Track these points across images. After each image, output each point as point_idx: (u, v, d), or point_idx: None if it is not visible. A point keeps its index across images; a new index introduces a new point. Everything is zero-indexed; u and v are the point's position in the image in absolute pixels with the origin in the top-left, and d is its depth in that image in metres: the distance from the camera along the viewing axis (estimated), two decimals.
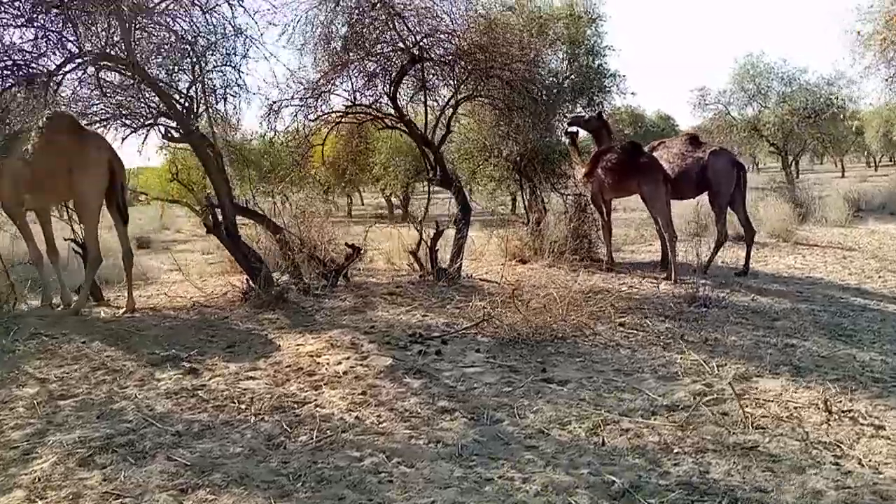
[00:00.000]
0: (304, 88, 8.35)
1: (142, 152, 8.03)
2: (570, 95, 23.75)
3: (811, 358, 4.96)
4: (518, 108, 8.90)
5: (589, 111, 9.83)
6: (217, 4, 5.89)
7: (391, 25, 8.04)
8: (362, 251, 7.86)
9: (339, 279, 7.46)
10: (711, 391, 4.18)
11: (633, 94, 22.48)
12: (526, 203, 10.25)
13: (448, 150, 10.61)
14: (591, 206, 9.11)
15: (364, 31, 7.98)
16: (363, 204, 34.03)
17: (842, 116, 24.21)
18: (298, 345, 5.00)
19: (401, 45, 8.21)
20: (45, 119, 6.17)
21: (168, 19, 5.83)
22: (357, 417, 3.67)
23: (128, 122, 6.53)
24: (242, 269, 6.66)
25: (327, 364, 4.54)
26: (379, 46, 8.32)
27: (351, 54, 8.22)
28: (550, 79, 21.92)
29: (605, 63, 22.75)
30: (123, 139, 7.48)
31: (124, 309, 6.47)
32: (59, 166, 6.16)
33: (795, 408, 3.95)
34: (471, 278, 8.05)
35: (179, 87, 7.45)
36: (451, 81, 8.64)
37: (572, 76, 23.10)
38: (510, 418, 3.70)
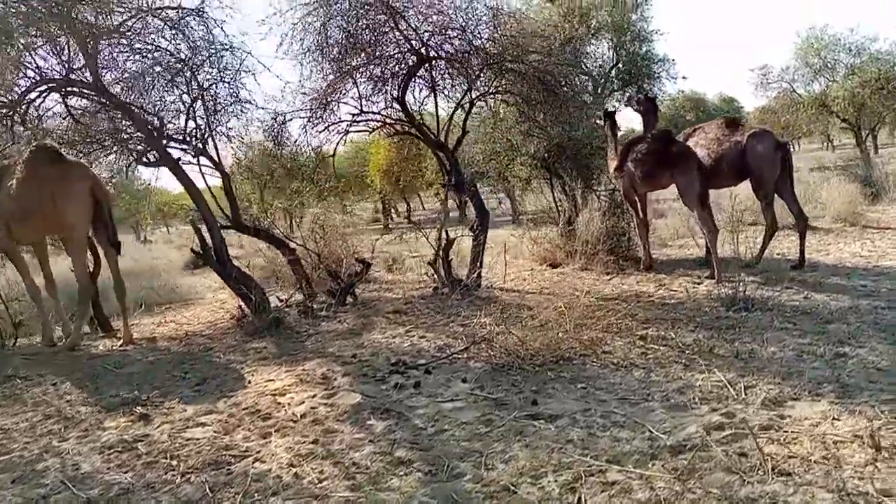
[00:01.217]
0: (310, 99, 7.98)
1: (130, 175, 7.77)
2: (617, 84, 22.83)
3: (864, 372, 4.14)
4: (537, 103, 8.25)
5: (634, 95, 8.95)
6: (183, 17, 5.50)
7: (393, 25, 7.56)
8: (371, 266, 7.38)
9: (346, 298, 7.01)
10: (731, 423, 3.46)
11: (684, 77, 21.27)
12: (557, 202, 9.54)
13: (471, 151, 10.05)
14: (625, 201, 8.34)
15: (362, 34, 7.52)
16: (424, 208, 33.84)
17: None
18: (268, 380, 4.54)
19: (407, 45, 7.73)
20: (26, 151, 5.99)
21: (137, 39, 5.52)
22: (296, 475, 3.15)
23: (107, 146, 6.25)
24: (236, 295, 6.29)
25: (289, 404, 4.05)
26: (381, 49, 7.85)
27: (353, 60, 7.79)
28: (593, 67, 21.00)
29: (653, 48, 21.69)
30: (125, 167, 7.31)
31: (121, 341, 6.22)
32: (42, 198, 5.95)
33: (834, 443, 3.19)
34: (491, 288, 7.45)
35: (176, 107, 7.25)
36: (464, 80, 8.05)
37: (619, 64, 22.15)
38: (475, 471, 3.10)
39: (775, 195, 7.43)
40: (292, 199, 8.96)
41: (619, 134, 8.56)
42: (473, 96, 8.18)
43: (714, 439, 3.29)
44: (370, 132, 8.65)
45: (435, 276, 7.55)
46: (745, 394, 3.87)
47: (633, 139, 8.01)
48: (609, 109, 8.47)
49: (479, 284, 7.47)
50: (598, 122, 9.19)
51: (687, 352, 4.71)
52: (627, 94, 9.25)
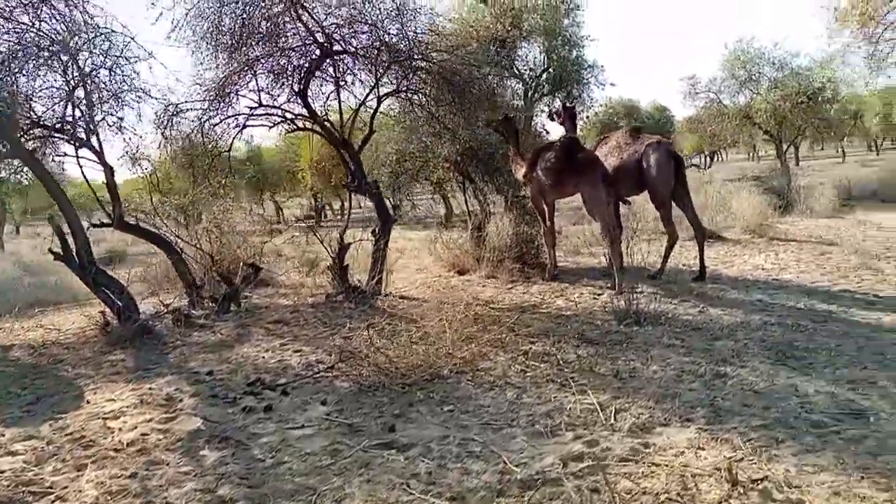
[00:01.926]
0: (205, 90, 7.50)
1: None
2: (548, 88, 22.83)
3: (740, 394, 4.00)
4: (446, 104, 7.98)
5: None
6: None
7: (294, 16, 7.16)
8: (261, 270, 6.96)
9: (229, 304, 6.58)
10: (592, 453, 3.24)
11: (612, 84, 21.46)
12: (468, 206, 9.31)
13: (385, 151, 9.72)
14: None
15: (260, 24, 7.10)
16: (361, 206, 33.15)
17: (836, 100, 23.16)
18: (108, 400, 4.10)
19: (310, 38, 7.34)
20: None
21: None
22: None
23: None
24: (100, 301, 5.78)
25: (119, 430, 3.64)
26: (283, 40, 7.45)
27: (251, 51, 7.34)
28: (524, 71, 20.85)
29: (583, 54, 21.79)
30: None
31: None
32: None
33: (693, 476, 3.01)
34: (390, 297, 7.13)
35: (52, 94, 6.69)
36: (371, 77, 7.71)
37: (550, 69, 22.15)
38: None
39: (674, 206, 7.38)
40: (186, 197, 8.35)
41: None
42: (382, 93, 7.86)
43: (570, 472, 3.06)
44: (270, 127, 8.20)
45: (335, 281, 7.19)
46: (615, 419, 3.67)
47: (542, 146, 7.85)
48: (507, 115, 8.23)
49: (379, 292, 7.14)
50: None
51: (566, 370, 4.50)
52: (550, 108, 9.04)
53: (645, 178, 7.32)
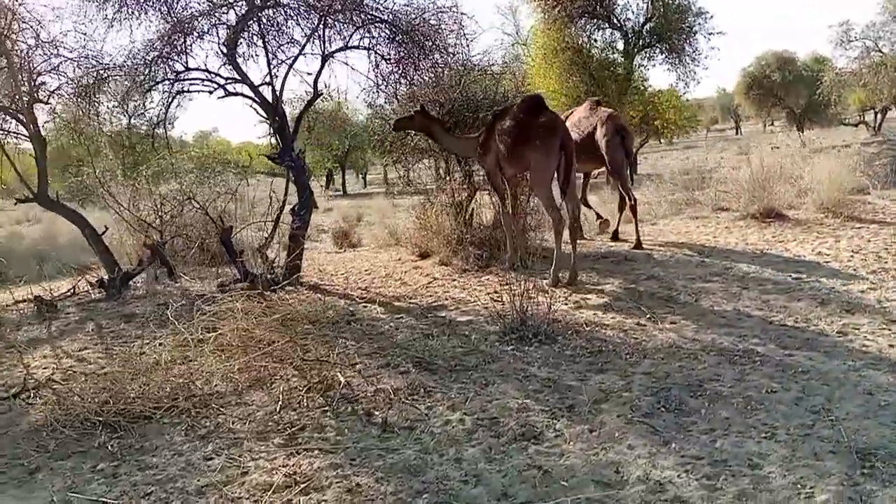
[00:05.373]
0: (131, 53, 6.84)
1: None
2: (648, 40, 20.35)
3: (511, 477, 2.67)
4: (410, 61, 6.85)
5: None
6: None
7: None
8: (158, 252, 6.29)
9: (119, 289, 6.01)
10: None
11: (720, 33, 18.79)
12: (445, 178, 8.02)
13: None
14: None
15: None
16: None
17: None
18: None
19: None
20: None
21: None
22: None
23: None
24: None
25: None
26: None
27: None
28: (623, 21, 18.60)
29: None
30: None
31: None
32: None
33: None
34: (299, 287, 6.18)
35: None
36: (316, 30, 6.71)
37: (653, 18, 19.61)
38: None
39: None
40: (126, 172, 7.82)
41: None
42: (329, 50, 6.82)
43: None
44: (192, 93, 7.36)
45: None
46: None
47: (500, 109, 6.41)
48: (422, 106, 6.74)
49: (296, 281, 6.23)
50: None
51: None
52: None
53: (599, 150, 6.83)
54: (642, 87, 19.64)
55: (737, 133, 39.90)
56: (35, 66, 6.69)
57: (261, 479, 2.78)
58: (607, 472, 2.75)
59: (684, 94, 20.22)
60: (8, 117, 6.88)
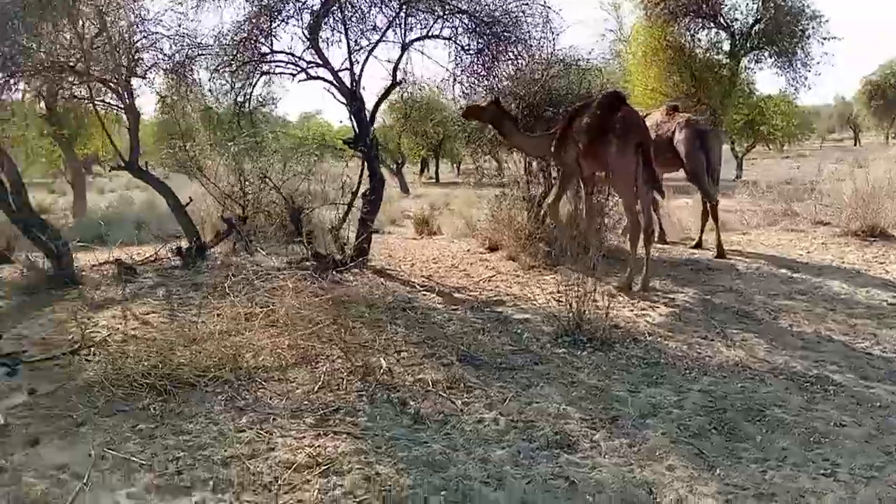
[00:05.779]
0: (219, 34, 7.07)
1: None
2: (757, 41, 19.19)
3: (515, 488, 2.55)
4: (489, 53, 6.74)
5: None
6: None
7: None
8: (235, 226, 6.48)
9: (194, 261, 6.23)
10: None
11: (836, 38, 17.46)
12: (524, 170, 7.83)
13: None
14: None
15: None
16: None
17: None
18: None
19: None
20: None
21: None
22: None
23: None
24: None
25: None
26: None
27: None
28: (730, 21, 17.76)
29: (805, 2, 17.70)
30: None
31: None
32: None
33: None
34: (366, 270, 6.22)
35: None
36: (396, 17, 6.72)
37: (763, 20, 18.49)
38: None
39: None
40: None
41: None
42: (408, 39, 6.81)
43: None
44: (276, 74, 7.49)
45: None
46: None
47: (578, 106, 6.18)
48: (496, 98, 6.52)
49: (362, 264, 6.27)
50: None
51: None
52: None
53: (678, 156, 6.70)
54: (748, 91, 18.59)
55: (855, 144, 37.24)
56: (134, 41, 7.03)
57: (284, 457, 2.78)
58: (639, 492, 2.57)
59: (795, 99, 18.99)
60: (108, 90, 7.28)
